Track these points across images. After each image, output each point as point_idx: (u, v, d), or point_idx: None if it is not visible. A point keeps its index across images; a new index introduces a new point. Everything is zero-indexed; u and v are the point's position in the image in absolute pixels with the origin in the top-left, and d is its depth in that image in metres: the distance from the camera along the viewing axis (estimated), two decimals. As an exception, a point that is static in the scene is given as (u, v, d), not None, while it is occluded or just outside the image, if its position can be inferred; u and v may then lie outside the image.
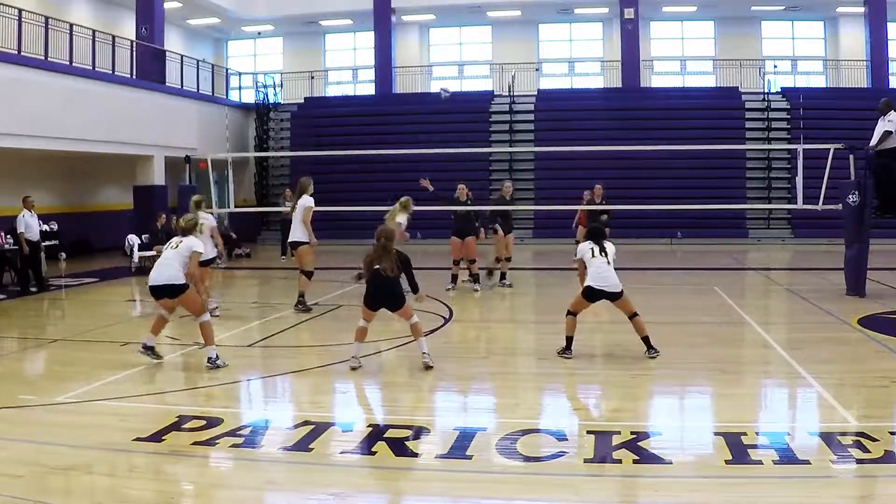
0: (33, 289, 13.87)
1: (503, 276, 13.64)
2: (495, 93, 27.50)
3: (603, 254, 8.09)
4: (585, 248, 8.23)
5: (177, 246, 7.99)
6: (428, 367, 7.59)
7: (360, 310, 7.89)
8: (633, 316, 8.11)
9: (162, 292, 7.96)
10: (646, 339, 8.05)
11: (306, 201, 11.44)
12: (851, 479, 4.87)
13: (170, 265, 7.90)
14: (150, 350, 7.99)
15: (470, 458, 5.25)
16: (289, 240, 11.89)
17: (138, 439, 5.59)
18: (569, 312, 8.22)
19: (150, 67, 22.51)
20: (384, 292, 7.72)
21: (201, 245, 8.21)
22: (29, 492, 4.64)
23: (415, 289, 8.05)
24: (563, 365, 7.93)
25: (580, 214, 16.53)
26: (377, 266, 7.66)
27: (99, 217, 21.80)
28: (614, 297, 8.04)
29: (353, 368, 7.67)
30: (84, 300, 13.46)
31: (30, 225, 13.90)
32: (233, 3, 27.69)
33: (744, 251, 21.02)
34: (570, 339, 8.15)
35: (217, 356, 7.89)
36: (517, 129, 26.20)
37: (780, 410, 6.82)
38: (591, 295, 8.04)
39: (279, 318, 11.04)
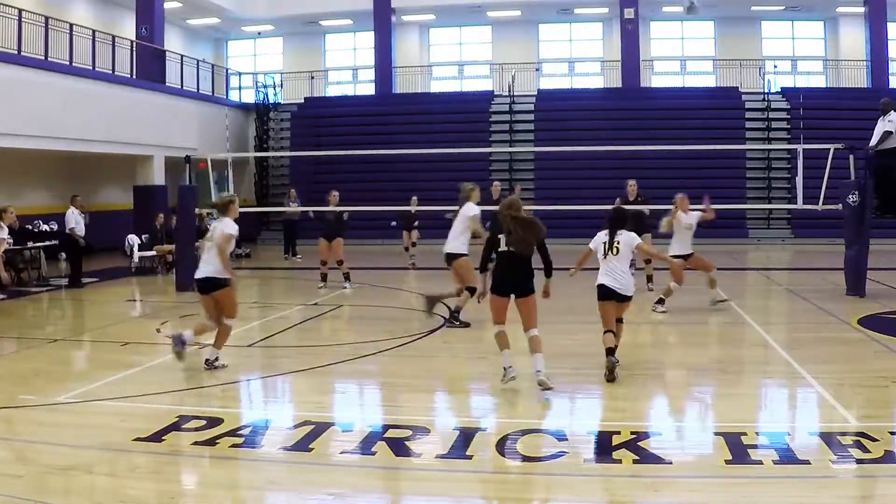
0: (82, 280, 14.73)
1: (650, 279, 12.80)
2: (495, 93, 27.49)
3: (614, 250, 7.40)
4: (599, 239, 7.56)
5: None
6: (545, 388, 6.62)
7: (490, 308, 6.98)
8: (619, 320, 7.49)
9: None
10: (614, 348, 7.29)
11: (471, 210, 10.03)
12: (851, 479, 4.87)
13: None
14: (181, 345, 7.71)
15: (470, 458, 5.25)
16: (445, 250, 10.07)
17: (138, 439, 5.58)
18: (606, 330, 7.38)
19: (150, 67, 22.52)
20: (514, 271, 6.81)
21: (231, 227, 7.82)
22: (29, 492, 4.64)
23: (548, 271, 6.97)
24: (562, 365, 7.92)
25: None
26: (508, 245, 6.74)
27: (99, 217, 21.76)
28: (623, 299, 7.42)
29: (512, 378, 6.84)
30: (84, 300, 13.46)
31: (78, 221, 14.67)
32: (233, 3, 27.68)
33: (744, 251, 21.01)
34: (608, 350, 7.25)
35: (217, 358, 7.78)
36: (517, 129, 26.19)
37: (780, 410, 6.82)
38: (606, 293, 7.36)
39: (280, 318, 11.04)
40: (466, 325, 9.97)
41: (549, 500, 4.67)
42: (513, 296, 6.93)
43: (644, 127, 23.83)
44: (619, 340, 7.50)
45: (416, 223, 17.76)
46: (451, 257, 9.96)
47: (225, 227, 7.77)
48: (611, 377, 7.13)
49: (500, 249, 6.89)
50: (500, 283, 6.91)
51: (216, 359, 7.76)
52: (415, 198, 17.48)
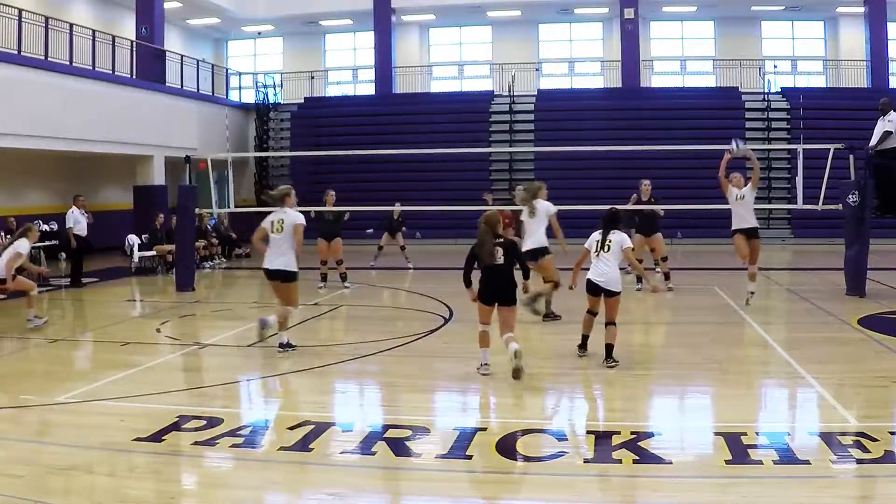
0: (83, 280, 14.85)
1: (638, 280, 12.71)
2: (495, 93, 27.50)
3: (606, 248, 7.81)
4: (593, 238, 7.99)
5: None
6: (517, 367, 6.97)
7: (477, 311, 7.54)
8: (610, 323, 7.73)
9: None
10: (610, 347, 7.67)
11: (551, 207, 10.29)
12: (851, 479, 4.87)
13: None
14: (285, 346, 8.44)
15: (470, 458, 5.25)
16: (530, 247, 9.99)
17: (138, 439, 5.59)
18: (587, 311, 8.02)
19: (150, 67, 22.52)
20: (498, 284, 7.37)
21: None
22: (29, 492, 4.64)
23: (526, 274, 7.99)
24: (562, 365, 7.93)
25: None
26: (489, 259, 7.36)
27: (99, 217, 21.74)
28: (609, 294, 7.75)
29: (487, 374, 7.43)
30: (84, 300, 13.47)
31: (79, 221, 14.71)
32: (233, 3, 27.68)
33: (744, 251, 20.99)
34: (584, 337, 8.02)
35: (289, 343, 8.44)
36: (517, 129, 26.19)
37: (780, 410, 6.81)
38: (591, 289, 7.83)
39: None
40: (558, 317, 10.19)
41: (549, 500, 4.67)
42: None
43: (644, 127, 23.84)
44: (614, 340, 7.72)
45: (404, 229, 17.55)
46: (538, 252, 9.92)
47: (296, 219, 8.44)
48: (581, 354, 8.00)
49: (486, 264, 7.41)
50: (486, 294, 7.45)
51: (288, 343, 8.45)
52: (398, 203, 17.08)
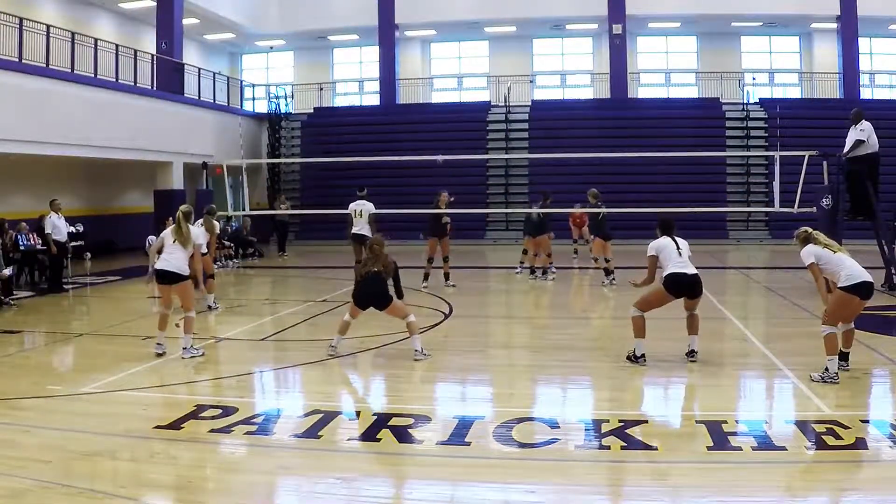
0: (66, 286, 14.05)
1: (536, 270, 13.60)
2: (492, 103, 27.48)
3: (679, 251, 7.76)
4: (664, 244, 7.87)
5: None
6: (417, 360, 7.71)
7: (349, 307, 8.14)
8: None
9: None
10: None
11: None
12: (825, 464, 4.87)
13: None
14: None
15: (468, 444, 5.25)
16: None
17: (159, 427, 5.59)
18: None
19: (169, 80, 22.50)
20: (372, 293, 7.86)
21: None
22: (57, 476, 4.65)
23: (399, 295, 8.07)
24: (555, 358, 7.93)
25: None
26: (370, 269, 7.86)
27: (122, 219, 21.80)
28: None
29: (331, 356, 7.90)
30: (108, 297, 13.46)
31: (57, 226, 13.61)
32: (247, 19, 27.68)
33: (724, 251, 21.00)
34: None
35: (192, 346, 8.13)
36: (512, 137, 26.19)
37: (758, 400, 6.82)
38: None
39: (290, 314, 11.04)
40: None
41: (542, 483, 4.67)
42: None
43: (631, 135, 23.81)
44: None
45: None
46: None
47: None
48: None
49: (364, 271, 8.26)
50: (357, 298, 8.11)
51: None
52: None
